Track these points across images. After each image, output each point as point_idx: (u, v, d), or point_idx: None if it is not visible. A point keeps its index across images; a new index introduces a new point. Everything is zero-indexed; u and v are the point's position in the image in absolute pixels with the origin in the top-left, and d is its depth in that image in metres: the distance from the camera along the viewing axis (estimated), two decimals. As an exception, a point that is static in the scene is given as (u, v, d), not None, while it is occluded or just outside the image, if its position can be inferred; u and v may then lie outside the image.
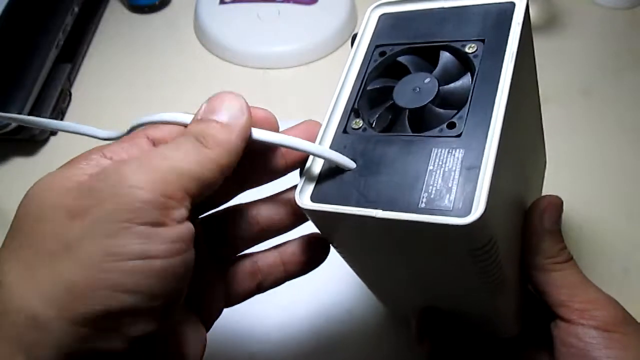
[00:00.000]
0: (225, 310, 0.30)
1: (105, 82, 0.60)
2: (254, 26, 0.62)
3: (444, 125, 0.24)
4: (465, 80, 0.26)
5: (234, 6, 0.64)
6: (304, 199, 0.24)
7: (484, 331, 0.33)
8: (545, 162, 0.40)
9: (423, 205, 0.22)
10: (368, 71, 0.28)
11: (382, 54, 0.28)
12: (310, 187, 0.25)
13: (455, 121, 0.24)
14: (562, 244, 0.29)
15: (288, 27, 0.61)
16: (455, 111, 0.24)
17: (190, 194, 0.21)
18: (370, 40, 0.29)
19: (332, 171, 0.25)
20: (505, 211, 0.26)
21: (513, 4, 0.26)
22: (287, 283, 0.31)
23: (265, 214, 0.29)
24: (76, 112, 0.57)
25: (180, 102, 0.58)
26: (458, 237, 0.22)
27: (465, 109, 0.24)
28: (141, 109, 0.57)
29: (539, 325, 0.30)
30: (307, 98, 0.56)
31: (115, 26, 0.66)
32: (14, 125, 0.50)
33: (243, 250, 0.30)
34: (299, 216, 0.28)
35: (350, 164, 0.24)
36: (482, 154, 0.22)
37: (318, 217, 0.25)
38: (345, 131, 0.26)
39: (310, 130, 0.26)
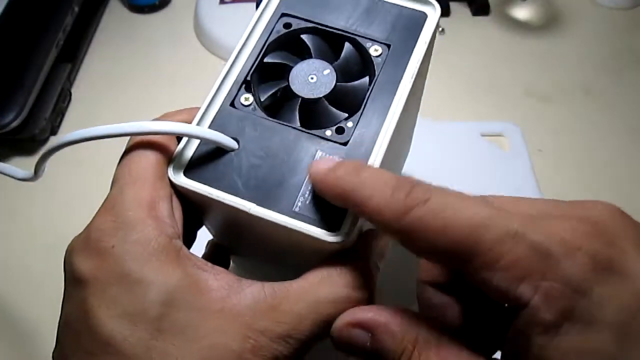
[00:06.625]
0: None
1: (105, 82, 0.60)
2: (254, 26, 0.61)
3: (333, 129, 0.23)
4: (364, 82, 0.25)
5: (234, 6, 0.63)
6: (178, 175, 0.23)
7: None
8: (409, 149, 0.39)
9: (297, 209, 0.21)
10: (269, 41, 0.26)
11: (286, 25, 0.26)
12: (186, 161, 0.23)
13: (344, 127, 0.23)
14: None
15: (288, 27, 0.61)
16: (347, 115, 0.24)
17: None
18: (278, 6, 0.27)
19: (214, 148, 0.23)
20: None
21: (425, 16, 0.26)
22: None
23: None
24: (76, 112, 0.57)
25: (180, 102, 0.57)
26: (324, 247, 0.21)
27: (357, 116, 0.23)
28: (141, 109, 0.57)
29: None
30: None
31: (115, 26, 0.66)
32: (14, 124, 0.50)
33: None
34: None
35: (232, 144, 0.23)
36: None
37: (189, 196, 0.23)
38: (233, 104, 0.25)
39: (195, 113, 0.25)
